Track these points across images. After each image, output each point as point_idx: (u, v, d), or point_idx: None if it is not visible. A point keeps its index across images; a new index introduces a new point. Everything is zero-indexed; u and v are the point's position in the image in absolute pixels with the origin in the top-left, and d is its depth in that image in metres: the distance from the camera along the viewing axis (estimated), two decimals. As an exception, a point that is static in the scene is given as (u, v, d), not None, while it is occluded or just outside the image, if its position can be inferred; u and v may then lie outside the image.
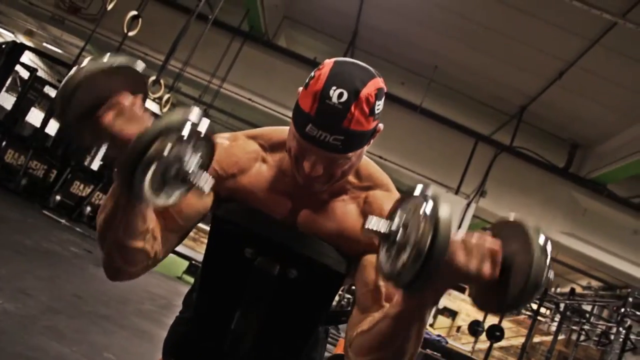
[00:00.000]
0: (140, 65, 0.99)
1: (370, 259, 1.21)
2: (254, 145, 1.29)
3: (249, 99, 8.81)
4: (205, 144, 0.93)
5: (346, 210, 1.25)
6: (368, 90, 1.06)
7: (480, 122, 9.47)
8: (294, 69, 8.84)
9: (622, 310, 9.02)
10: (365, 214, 1.24)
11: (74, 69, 0.91)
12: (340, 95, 1.05)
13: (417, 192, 0.92)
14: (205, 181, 0.91)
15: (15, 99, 10.55)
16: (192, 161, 0.91)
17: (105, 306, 4.47)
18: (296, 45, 10.26)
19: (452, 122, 8.98)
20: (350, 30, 9.11)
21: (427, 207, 0.86)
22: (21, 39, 14.00)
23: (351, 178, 1.27)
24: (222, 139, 1.29)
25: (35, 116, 12.81)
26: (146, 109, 0.96)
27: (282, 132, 1.32)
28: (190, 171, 0.90)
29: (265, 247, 1.21)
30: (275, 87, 8.74)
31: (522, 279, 0.87)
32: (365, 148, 1.17)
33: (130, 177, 0.84)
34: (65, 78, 0.90)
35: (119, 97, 0.95)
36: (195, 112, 0.89)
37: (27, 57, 12.04)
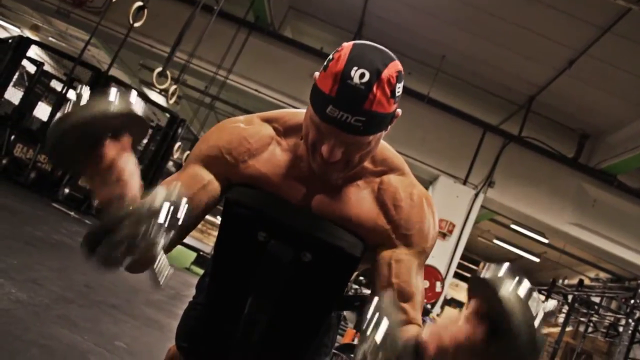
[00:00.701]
0: (139, 107, 0.96)
1: (384, 255, 1.21)
2: (268, 129, 1.27)
3: (256, 90, 8.80)
4: (174, 222, 0.92)
5: (360, 196, 1.23)
6: (389, 71, 1.05)
7: (489, 112, 9.42)
8: (301, 59, 8.81)
9: (632, 301, 8.97)
10: (379, 200, 1.23)
11: (68, 107, 0.89)
12: (362, 76, 1.03)
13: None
14: (164, 273, 0.96)
15: (22, 93, 10.56)
16: (158, 238, 0.90)
17: (115, 296, 4.47)
18: (302, 35, 10.23)
19: (460, 112, 8.93)
20: (356, 20, 9.07)
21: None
22: (27, 33, 14.01)
23: (366, 163, 1.25)
24: (237, 123, 1.28)
25: (42, 110, 12.84)
26: (131, 158, 0.97)
27: (297, 115, 1.30)
28: (154, 261, 0.95)
29: (279, 231, 1.18)
30: (281, 78, 8.72)
31: (513, 344, 0.80)
32: (384, 134, 1.15)
33: (92, 248, 0.89)
34: (59, 116, 0.89)
35: (104, 152, 0.95)
36: (162, 200, 0.89)
37: (34, 52, 12.06)
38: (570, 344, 13.64)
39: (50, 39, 14.59)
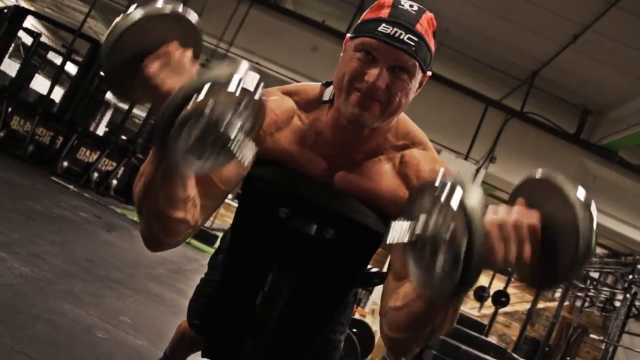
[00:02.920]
0: (193, 16, 0.90)
1: None
2: (289, 101, 1.23)
3: (257, 63, 8.68)
4: (254, 107, 0.81)
5: (382, 170, 1.20)
6: (431, 14, 1.11)
7: (491, 87, 9.33)
8: (303, 32, 8.66)
9: (630, 277, 9.04)
10: (401, 174, 1.20)
11: (122, 15, 0.84)
12: (411, 5, 1.08)
13: (436, 182, 0.80)
14: (248, 151, 0.80)
15: (18, 65, 10.43)
16: (236, 125, 0.79)
17: (117, 270, 4.47)
18: (304, 8, 10.05)
19: (462, 87, 8.84)
20: (359, -8, 8.92)
21: (453, 199, 0.74)
22: (23, 4, 13.78)
23: (389, 136, 1.23)
24: None
25: (39, 83, 12.72)
26: (197, 64, 0.88)
27: (316, 88, 1.27)
28: (232, 137, 0.79)
29: (301, 207, 1.15)
30: (283, 51, 8.59)
31: (570, 248, 0.78)
32: (416, 88, 1.13)
33: (164, 135, 0.75)
34: (113, 23, 0.83)
35: (167, 48, 0.88)
36: (244, 68, 0.78)
37: (30, 23, 11.88)
38: (566, 319, 13.82)
39: (47, 9, 14.36)
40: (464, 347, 4.59)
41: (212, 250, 8.27)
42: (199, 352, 1.65)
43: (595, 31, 7.11)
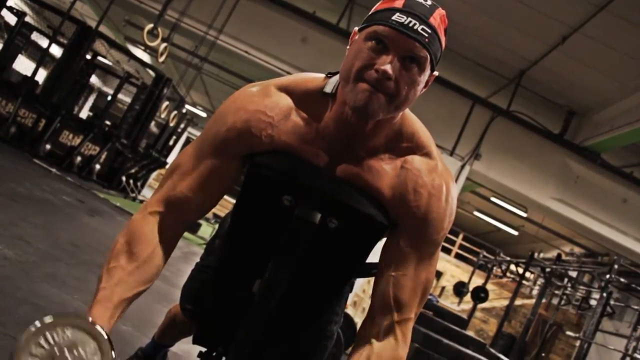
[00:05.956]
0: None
1: (391, 252, 1.20)
2: (286, 99, 1.22)
3: (246, 52, 8.63)
4: None
5: (383, 169, 1.19)
6: (443, 11, 1.11)
7: (478, 85, 9.40)
8: (293, 22, 8.63)
9: (607, 276, 9.20)
10: (401, 179, 1.19)
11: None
12: (425, 0, 1.08)
13: None
14: None
15: (1, 45, 10.22)
16: None
17: (102, 255, 4.43)
18: (295, -2, 10.04)
19: (450, 83, 8.89)
20: (349, -16, 8.89)
21: None
22: (7, -18, 13.48)
23: (393, 134, 1.22)
24: (253, 96, 1.21)
25: (22, 63, 12.47)
26: None
27: (315, 80, 1.25)
28: None
29: (305, 196, 1.15)
30: (273, 41, 8.55)
31: None
32: (424, 84, 1.13)
33: None
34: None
35: None
36: None
37: (13, 2, 11.65)
38: (542, 316, 14.03)
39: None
40: (445, 340, 4.64)
41: (194, 238, 8.22)
42: (189, 339, 1.65)
43: (583, 34, 7.19)
